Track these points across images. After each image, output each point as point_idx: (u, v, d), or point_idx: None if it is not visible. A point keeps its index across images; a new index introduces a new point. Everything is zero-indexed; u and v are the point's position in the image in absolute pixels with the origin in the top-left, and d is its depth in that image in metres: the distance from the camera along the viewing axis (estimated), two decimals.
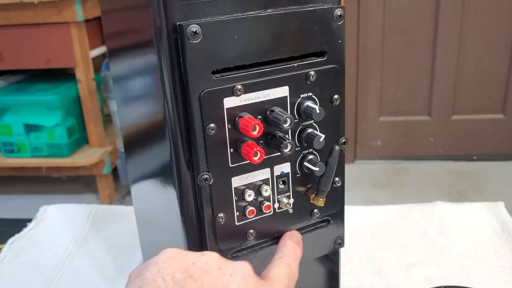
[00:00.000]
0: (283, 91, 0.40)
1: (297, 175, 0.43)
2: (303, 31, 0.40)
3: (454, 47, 2.09)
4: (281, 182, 0.43)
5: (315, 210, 0.45)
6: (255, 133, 0.37)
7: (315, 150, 0.43)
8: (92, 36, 1.82)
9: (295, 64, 0.40)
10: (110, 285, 0.63)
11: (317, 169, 0.42)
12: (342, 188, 0.46)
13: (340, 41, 0.41)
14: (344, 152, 0.45)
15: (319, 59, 0.41)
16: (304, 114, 0.41)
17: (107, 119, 2.06)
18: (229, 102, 0.38)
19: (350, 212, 0.69)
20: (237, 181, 0.40)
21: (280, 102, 0.40)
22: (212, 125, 0.38)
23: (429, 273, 0.62)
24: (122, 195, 2.06)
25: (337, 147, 0.43)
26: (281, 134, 0.40)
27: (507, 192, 1.96)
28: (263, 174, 0.41)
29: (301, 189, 0.44)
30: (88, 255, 0.69)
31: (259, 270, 0.44)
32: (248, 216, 0.42)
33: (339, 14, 0.40)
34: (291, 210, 0.43)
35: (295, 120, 0.41)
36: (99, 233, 0.74)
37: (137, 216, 0.58)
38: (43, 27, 1.71)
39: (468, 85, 2.15)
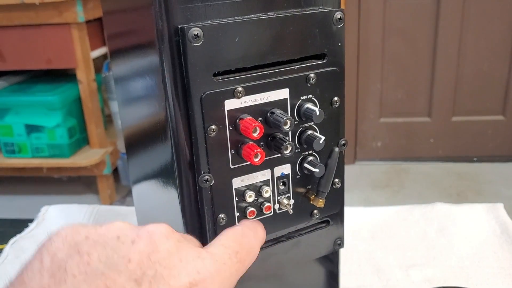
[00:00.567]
0: (283, 93, 0.40)
1: (297, 176, 0.43)
2: (304, 34, 0.40)
3: (454, 48, 2.09)
4: (281, 183, 0.43)
5: (315, 211, 0.45)
6: (255, 134, 0.38)
7: (315, 151, 0.43)
8: (93, 37, 1.82)
9: (296, 67, 0.40)
10: None
11: (317, 170, 0.42)
12: (341, 189, 0.46)
13: (340, 44, 0.42)
14: (343, 153, 0.45)
15: (319, 62, 0.41)
16: (304, 116, 0.41)
17: (108, 119, 2.07)
18: (230, 104, 0.38)
19: (350, 213, 0.69)
20: (238, 182, 0.41)
21: (280, 104, 0.40)
22: (213, 126, 0.38)
23: (428, 274, 0.62)
24: (122, 195, 2.07)
25: (336, 149, 0.43)
26: (281, 136, 0.40)
27: (506, 194, 1.96)
28: (264, 175, 0.42)
29: (301, 190, 0.44)
30: None
31: (259, 271, 0.45)
32: (249, 217, 0.42)
33: (339, 17, 0.41)
34: (291, 211, 0.44)
35: (295, 122, 0.41)
36: None
37: (138, 216, 0.58)
38: (44, 28, 1.72)
39: (468, 86, 2.15)
